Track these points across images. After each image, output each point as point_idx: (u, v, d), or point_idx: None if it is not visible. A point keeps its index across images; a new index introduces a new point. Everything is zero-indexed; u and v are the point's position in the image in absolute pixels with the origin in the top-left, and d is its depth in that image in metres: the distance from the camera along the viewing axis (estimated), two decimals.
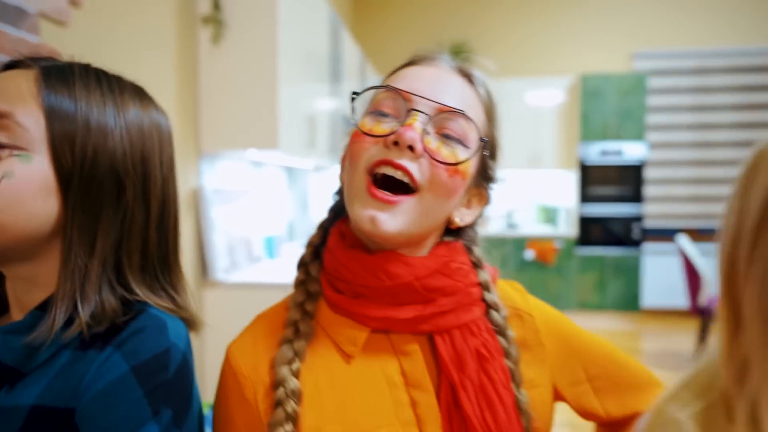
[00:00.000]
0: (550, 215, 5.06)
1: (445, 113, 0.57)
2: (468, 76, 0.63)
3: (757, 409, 0.42)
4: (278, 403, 0.55)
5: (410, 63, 0.63)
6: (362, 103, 0.63)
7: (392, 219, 0.55)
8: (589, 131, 4.68)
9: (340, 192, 0.67)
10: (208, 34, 2.02)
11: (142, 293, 0.60)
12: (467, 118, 0.57)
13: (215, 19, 2.00)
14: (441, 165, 0.55)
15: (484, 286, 0.63)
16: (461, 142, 0.57)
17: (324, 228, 0.66)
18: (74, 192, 0.56)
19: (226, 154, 2.27)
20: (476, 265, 0.65)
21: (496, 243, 4.67)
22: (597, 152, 4.69)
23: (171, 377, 0.55)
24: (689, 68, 4.94)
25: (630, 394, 0.68)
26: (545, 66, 5.07)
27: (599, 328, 4.44)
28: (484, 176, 0.63)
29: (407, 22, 5.20)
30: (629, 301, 4.70)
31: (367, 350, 0.58)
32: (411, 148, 0.54)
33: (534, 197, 5.16)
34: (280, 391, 0.55)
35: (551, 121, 4.85)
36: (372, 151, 0.56)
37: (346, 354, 0.58)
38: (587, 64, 4.98)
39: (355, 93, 0.61)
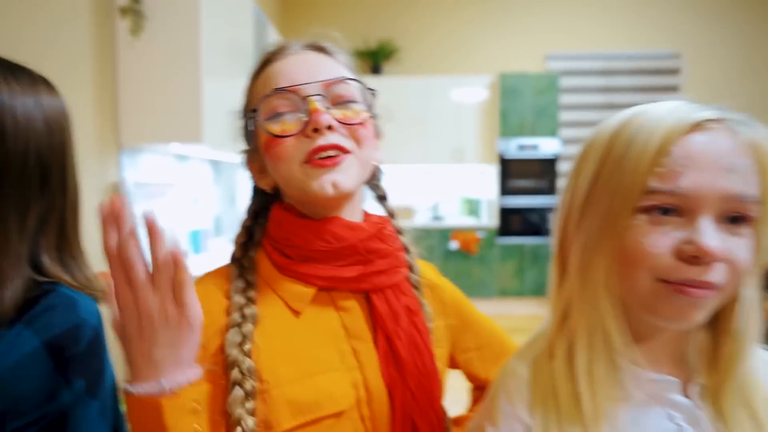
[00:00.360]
0: (473, 207, 5.29)
1: (331, 86, 0.64)
2: (322, 49, 0.69)
3: (572, 346, 0.53)
4: (235, 383, 0.59)
5: (268, 62, 0.68)
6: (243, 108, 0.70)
7: (347, 176, 0.63)
8: (508, 127, 4.94)
9: (257, 193, 0.73)
10: (126, 26, 2.00)
11: (54, 272, 0.63)
12: (348, 80, 0.65)
13: (134, 11, 1.98)
14: (355, 125, 0.64)
15: (390, 214, 0.75)
16: (353, 101, 0.65)
17: (247, 227, 0.72)
18: (7, 185, 0.59)
19: (148, 148, 2.24)
20: (383, 198, 0.77)
21: (423, 234, 4.81)
22: (515, 147, 4.96)
23: (83, 350, 0.59)
24: (598, 69, 5.31)
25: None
26: (467, 65, 5.28)
27: (519, 314, 4.72)
28: (373, 116, 0.71)
29: (334, 19, 5.24)
30: (546, 288, 4.99)
31: (311, 306, 0.65)
32: (329, 127, 0.62)
33: (458, 190, 5.38)
34: (236, 372, 0.59)
35: (473, 117, 5.06)
36: (295, 146, 0.62)
37: (294, 310, 0.65)
38: (505, 64, 5.24)
39: (253, 110, 0.66)
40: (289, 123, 0.63)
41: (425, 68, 5.29)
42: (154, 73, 2.05)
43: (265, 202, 0.72)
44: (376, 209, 0.76)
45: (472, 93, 5.04)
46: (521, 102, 4.92)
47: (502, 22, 5.28)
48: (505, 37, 5.29)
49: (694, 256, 0.46)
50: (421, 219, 5.20)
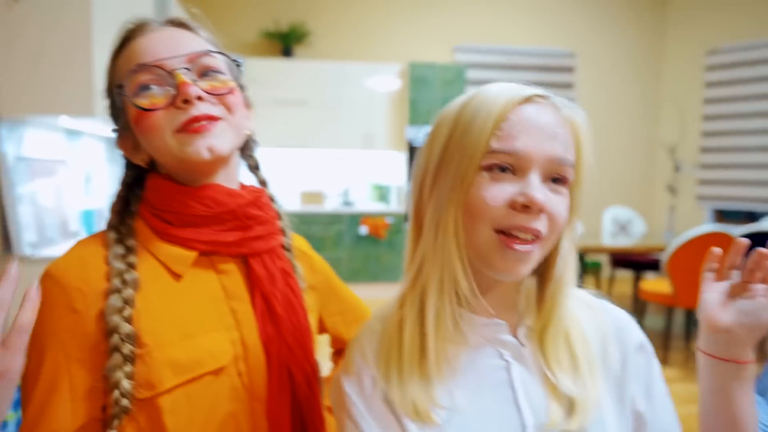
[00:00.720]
0: (382, 193, 5.39)
1: (196, 58, 0.66)
2: (183, 25, 0.70)
3: (424, 295, 0.60)
4: (114, 349, 0.60)
5: (128, 39, 0.68)
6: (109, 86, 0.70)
7: (221, 140, 0.65)
8: (417, 116, 5.07)
9: (130, 166, 0.73)
10: None
11: None
12: (212, 53, 0.68)
13: None
14: (224, 94, 0.66)
15: (262, 182, 0.79)
16: (219, 71, 0.67)
17: (122, 197, 0.72)
18: None
19: (34, 121, 2.08)
20: (256, 167, 0.80)
21: (333, 219, 4.86)
22: (423, 135, 5.09)
23: None
24: (502, 63, 5.57)
25: None
26: (378, 52, 5.35)
27: None
28: (241, 88, 0.74)
29: None
30: None
31: (192, 270, 0.67)
32: (199, 98, 0.63)
33: (368, 176, 5.45)
34: (115, 338, 0.60)
35: (383, 104, 5.14)
36: (166, 118, 0.64)
37: (176, 273, 0.66)
38: (415, 53, 5.37)
39: (119, 86, 0.66)
40: (158, 96, 0.64)
41: (337, 54, 5.29)
42: (37, 40, 1.90)
43: (139, 175, 0.73)
44: (249, 179, 0.79)
45: (383, 80, 5.11)
46: (430, 91, 5.06)
47: (412, 11, 5.39)
48: (416, 26, 5.41)
49: (524, 206, 0.55)
50: (332, 204, 5.23)
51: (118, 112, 0.69)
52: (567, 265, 0.62)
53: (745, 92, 5.09)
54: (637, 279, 4.34)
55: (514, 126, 0.56)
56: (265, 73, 4.89)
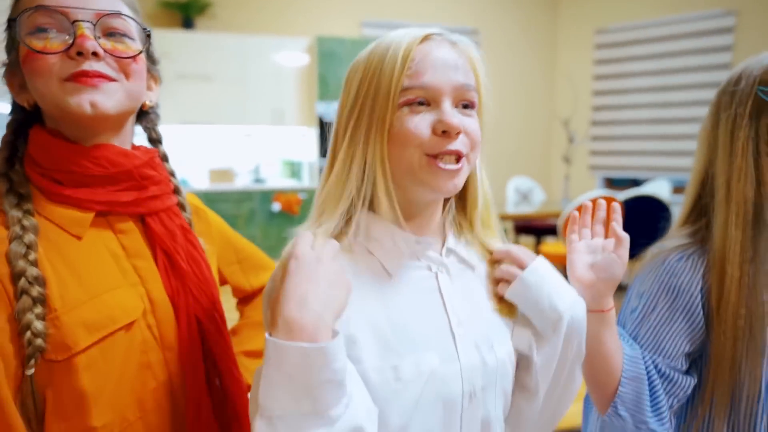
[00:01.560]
0: (294, 169, 5.35)
1: (105, 17, 0.65)
2: None
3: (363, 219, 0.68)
4: (23, 292, 0.59)
5: None
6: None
7: (107, 99, 0.64)
8: (326, 91, 5.05)
9: (16, 109, 0.71)
10: None
11: None
12: (123, 15, 0.67)
13: None
14: (125, 59, 0.66)
15: (164, 158, 0.80)
16: (127, 35, 0.67)
17: (9, 142, 0.70)
18: None
19: None
20: (158, 141, 0.80)
21: (244, 197, 4.77)
22: (333, 110, 5.09)
23: None
24: None
25: (265, 272, 0.96)
26: (285, 25, 5.24)
27: None
28: (151, 60, 0.74)
29: None
30: None
31: (89, 230, 0.67)
32: (95, 54, 0.62)
33: (279, 152, 5.38)
34: (22, 281, 0.59)
35: (292, 79, 5.07)
36: (57, 65, 0.62)
37: (74, 235, 0.65)
38: (323, 28, 5.32)
39: (12, 20, 0.64)
40: (53, 41, 0.63)
41: (242, 26, 5.12)
42: None
43: (24, 120, 0.71)
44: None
45: (291, 55, 5.03)
46: (339, 66, 5.05)
47: None
48: (323, 0, 5.34)
49: (444, 131, 0.62)
50: (243, 181, 5.12)
51: (11, 47, 0.67)
52: (479, 188, 0.73)
53: (630, 69, 5.54)
54: (538, 243, 4.66)
55: (420, 63, 0.63)
56: (164, 45, 4.64)
